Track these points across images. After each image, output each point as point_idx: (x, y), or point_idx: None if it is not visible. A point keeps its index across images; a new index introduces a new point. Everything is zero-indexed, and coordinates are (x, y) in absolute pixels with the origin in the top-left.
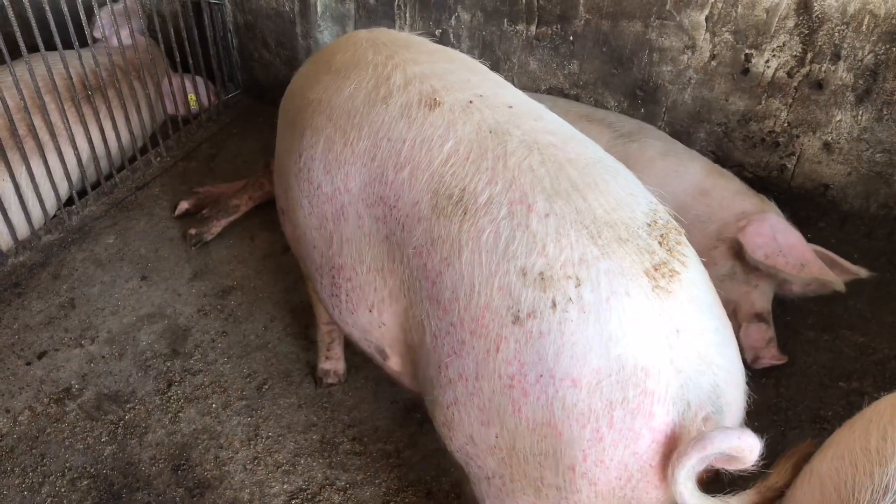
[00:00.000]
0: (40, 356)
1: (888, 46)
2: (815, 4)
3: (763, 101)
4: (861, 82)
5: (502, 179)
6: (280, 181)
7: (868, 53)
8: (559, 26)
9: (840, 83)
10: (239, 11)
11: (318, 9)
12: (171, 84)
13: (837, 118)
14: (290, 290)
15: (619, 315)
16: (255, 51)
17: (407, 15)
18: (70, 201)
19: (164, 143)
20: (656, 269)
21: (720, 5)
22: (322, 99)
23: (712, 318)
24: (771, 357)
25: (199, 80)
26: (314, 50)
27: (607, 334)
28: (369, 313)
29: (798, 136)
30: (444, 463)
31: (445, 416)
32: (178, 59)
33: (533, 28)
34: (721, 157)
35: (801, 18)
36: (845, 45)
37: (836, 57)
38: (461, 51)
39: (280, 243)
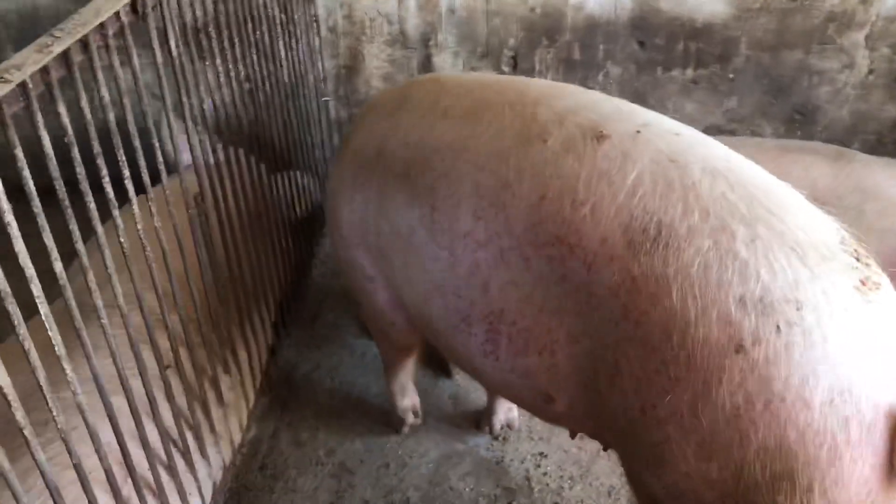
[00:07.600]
0: None
1: None
2: None
3: None
4: None
5: (698, 209)
6: (374, 244)
7: None
8: (719, 66)
9: None
10: (342, 106)
11: None
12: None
13: None
14: None
15: (843, 332)
16: None
17: (549, 77)
18: None
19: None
20: (864, 284)
21: (879, 23)
22: (453, 146)
23: None
24: None
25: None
26: None
27: (834, 352)
28: (539, 356)
29: None
30: None
31: (653, 455)
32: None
33: (689, 71)
34: None
35: None
36: None
37: None
38: None
39: None
